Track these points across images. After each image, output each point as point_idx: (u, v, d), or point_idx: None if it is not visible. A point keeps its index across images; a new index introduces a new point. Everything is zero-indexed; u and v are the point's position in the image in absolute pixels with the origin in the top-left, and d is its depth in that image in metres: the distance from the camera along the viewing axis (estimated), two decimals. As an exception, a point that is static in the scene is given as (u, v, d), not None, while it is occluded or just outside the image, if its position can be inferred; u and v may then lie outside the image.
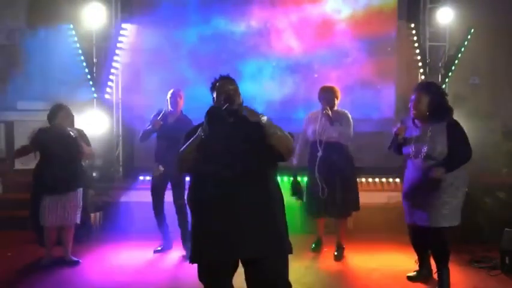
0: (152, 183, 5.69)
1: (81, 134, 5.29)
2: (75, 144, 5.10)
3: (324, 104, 5.42)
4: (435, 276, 4.62)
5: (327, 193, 5.32)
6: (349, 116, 5.46)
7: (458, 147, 4.30)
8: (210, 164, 3.02)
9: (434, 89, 4.49)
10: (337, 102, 5.46)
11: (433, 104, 4.36)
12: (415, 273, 4.79)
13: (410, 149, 4.43)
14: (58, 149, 5.01)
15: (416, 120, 4.45)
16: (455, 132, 4.34)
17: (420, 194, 4.38)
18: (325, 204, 5.37)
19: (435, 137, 4.32)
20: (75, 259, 5.31)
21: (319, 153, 5.35)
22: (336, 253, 5.49)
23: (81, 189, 5.28)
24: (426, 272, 4.75)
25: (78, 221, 5.25)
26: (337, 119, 5.36)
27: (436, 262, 4.54)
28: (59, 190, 5.07)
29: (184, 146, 3.10)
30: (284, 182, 6.92)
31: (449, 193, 4.32)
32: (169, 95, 5.61)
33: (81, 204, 5.28)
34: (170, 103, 5.59)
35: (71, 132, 5.10)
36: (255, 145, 3.03)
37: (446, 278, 4.45)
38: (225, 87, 3.17)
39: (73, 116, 5.33)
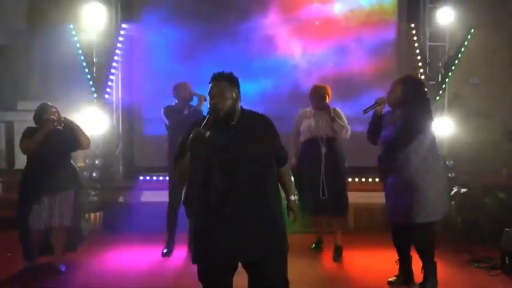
0: (170, 182, 5.58)
1: (68, 122, 5.03)
2: (68, 140, 4.97)
3: (314, 103, 5.44)
4: (416, 280, 4.57)
5: (328, 191, 5.32)
6: (340, 111, 5.48)
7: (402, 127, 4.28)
8: (212, 171, 3.00)
9: (410, 81, 4.48)
10: (328, 101, 5.45)
11: (407, 94, 4.34)
12: (394, 277, 4.69)
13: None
14: (46, 149, 4.86)
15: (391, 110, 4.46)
16: (408, 115, 4.29)
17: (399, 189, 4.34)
18: (325, 202, 5.34)
19: (395, 123, 4.34)
20: (63, 269, 5.06)
21: (323, 150, 5.36)
22: (334, 254, 5.48)
23: (72, 190, 5.08)
24: (406, 277, 4.64)
25: (68, 224, 5.02)
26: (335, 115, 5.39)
27: (421, 258, 4.47)
28: (48, 190, 4.88)
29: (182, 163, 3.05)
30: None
31: (434, 189, 4.30)
32: (175, 89, 5.55)
33: (71, 206, 5.05)
34: (181, 96, 5.50)
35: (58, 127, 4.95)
36: (256, 149, 3.04)
37: (433, 271, 4.41)
38: (212, 93, 3.08)
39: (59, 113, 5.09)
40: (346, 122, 5.43)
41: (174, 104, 5.59)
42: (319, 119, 5.42)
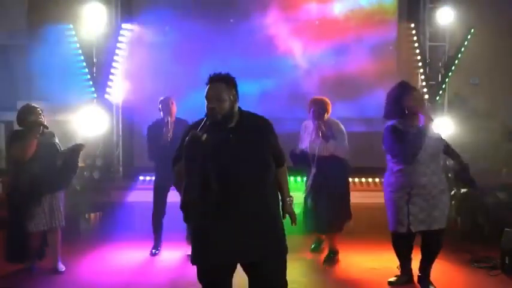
0: (155, 183, 5.62)
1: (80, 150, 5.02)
2: (56, 147, 4.93)
3: (314, 117, 5.19)
4: (415, 280, 4.63)
5: (319, 210, 5.20)
6: (341, 126, 5.24)
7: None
8: (211, 173, 2.97)
9: None
10: (327, 115, 5.21)
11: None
12: (395, 278, 4.72)
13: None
14: (39, 151, 4.73)
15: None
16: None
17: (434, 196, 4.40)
18: (317, 222, 5.26)
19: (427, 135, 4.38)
20: (62, 269, 5.04)
21: (313, 170, 5.23)
22: (325, 257, 5.38)
23: (63, 190, 5.05)
24: (407, 278, 4.68)
25: (63, 223, 5.00)
26: (330, 132, 5.15)
27: (430, 260, 4.52)
28: (45, 191, 4.82)
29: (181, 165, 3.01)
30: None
31: (447, 194, 4.50)
32: (160, 104, 5.45)
33: (63, 206, 5.02)
34: (163, 111, 5.43)
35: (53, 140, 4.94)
36: (255, 151, 3.04)
37: (429, 272, 4.55)
38: (209, 96, 3.04)
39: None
40: (345, 138, 5.19)
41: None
42: (316, 137, 5.21)
